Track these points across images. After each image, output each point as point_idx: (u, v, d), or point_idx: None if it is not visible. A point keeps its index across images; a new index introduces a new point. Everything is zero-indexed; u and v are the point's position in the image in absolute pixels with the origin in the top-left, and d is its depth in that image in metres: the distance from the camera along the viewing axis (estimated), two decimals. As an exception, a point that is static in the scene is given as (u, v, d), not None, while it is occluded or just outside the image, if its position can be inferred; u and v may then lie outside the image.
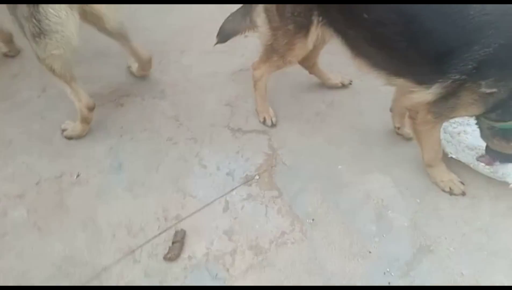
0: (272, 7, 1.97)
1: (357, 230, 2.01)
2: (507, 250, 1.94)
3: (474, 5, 1.58)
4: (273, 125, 2.43)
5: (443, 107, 1.80)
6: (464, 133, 2.31)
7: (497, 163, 2.10)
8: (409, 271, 1.88)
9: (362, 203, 2.11)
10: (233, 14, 2.38)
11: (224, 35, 2.45)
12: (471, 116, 1.88)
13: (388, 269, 1.88)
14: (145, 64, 2.61)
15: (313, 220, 2.04)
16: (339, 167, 2.24)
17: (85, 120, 2.34)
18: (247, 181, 2.20)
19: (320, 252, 1.94)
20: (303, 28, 1.96)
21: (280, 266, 1.90)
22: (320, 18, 1.92)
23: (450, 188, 2.11)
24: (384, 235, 1.99)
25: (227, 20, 2.42)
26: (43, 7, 1.91)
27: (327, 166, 2.25)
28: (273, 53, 2.14)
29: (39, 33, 1.96)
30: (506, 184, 2.09)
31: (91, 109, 2.31)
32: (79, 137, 2.40)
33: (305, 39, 1.99)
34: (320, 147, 2.34)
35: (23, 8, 1.93)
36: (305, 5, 1.89)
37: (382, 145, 2.35)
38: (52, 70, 2.12)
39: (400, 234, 2.00)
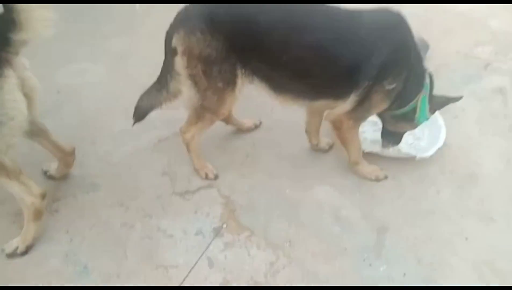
0: (199, 72, 2.15)
1: (328, 235, 2.31)
2: (435, 206, 2.46)
3: (362, 30, 2.10)
4: (216, 177, 2.60)
5: (360, 111, 2.26)
6: (363, 133, 2.85)
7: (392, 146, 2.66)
8: (380, 250, 2.25)
9: (319, 212, 2.43)
10: (147, 92, 2.49)
11: (140, 113, 2.53)
12: (381, 111, 2.38)
13: (365, 255, 2.22)
14: (69, 158, 2.50)
15: (289, 242, 2.27)
16: (287, 191, 2.54)
17: (39, 214, 2.16)
18: (218, 232, 2.32)
19: (309, 265, 2.18)
20: (231, 82, 2.20)
21: (283, 291, 2.08)
22: (243, 70, 2.19)
23: (375, 176, 2.58)
24: (348, 231, 2.34)
25: (141, 99, 2.51)
26: None
27: (277, 195, 2.52)
28: (205, 111, 2.32)
29: None
30: (411, 158, 2.64)
31: (44, 196, 2.16)
32: (34, 240, 2.21)
33: (234, 91, 2.23)
34: (263, 181, 2.60)
35: None
36: (229, 62, 2.14)
37: (308, 163, 2.73)
38: (4, 168, 1.93)
39: (359, 225, 2.37)
